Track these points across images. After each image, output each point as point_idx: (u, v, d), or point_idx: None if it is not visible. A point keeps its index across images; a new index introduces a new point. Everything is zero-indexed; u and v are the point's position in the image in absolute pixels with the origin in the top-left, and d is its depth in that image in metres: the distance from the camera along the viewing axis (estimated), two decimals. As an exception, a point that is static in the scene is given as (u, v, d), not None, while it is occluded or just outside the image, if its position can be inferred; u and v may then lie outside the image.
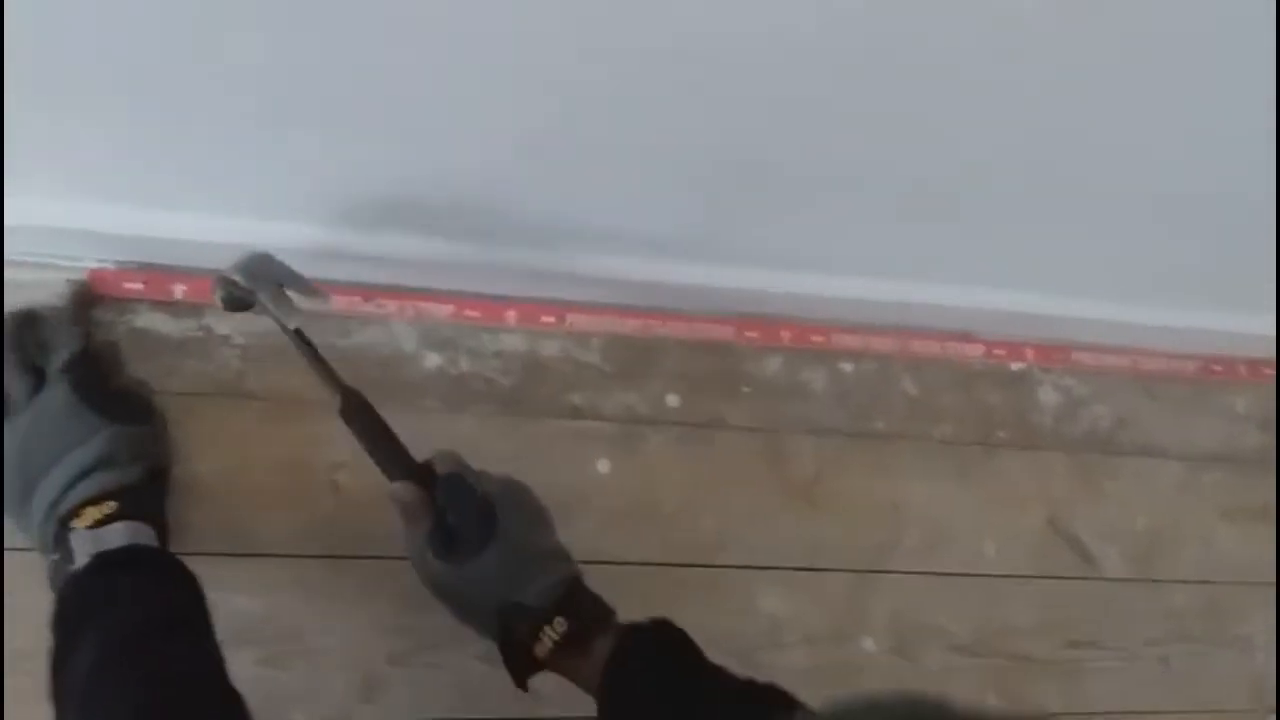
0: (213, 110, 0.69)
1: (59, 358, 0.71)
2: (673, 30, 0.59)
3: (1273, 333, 0.98)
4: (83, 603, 0.62)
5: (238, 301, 0.67)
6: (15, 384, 0.70)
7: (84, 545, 0.65)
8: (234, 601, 0.76)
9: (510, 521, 0.67)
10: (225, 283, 0.69)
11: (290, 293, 0.68)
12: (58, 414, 0.69)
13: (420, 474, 0.69)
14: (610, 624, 0.69)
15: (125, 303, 0.81)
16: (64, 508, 0.67)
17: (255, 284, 0.67)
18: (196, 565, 0.68)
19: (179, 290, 0.82)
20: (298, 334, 0.68)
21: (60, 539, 0.66)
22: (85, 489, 0.67)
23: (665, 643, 0.67)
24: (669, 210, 0.84)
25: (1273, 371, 1.07)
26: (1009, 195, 0.81)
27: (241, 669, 0.70)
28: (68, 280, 0.79)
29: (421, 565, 0.68)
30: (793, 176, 0.79)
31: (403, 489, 0.68)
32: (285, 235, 0.83)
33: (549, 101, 0.67)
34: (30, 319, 0.74)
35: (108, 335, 0.79)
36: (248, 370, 0.82)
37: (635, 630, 0.68)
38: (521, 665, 0.67)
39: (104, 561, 0.65)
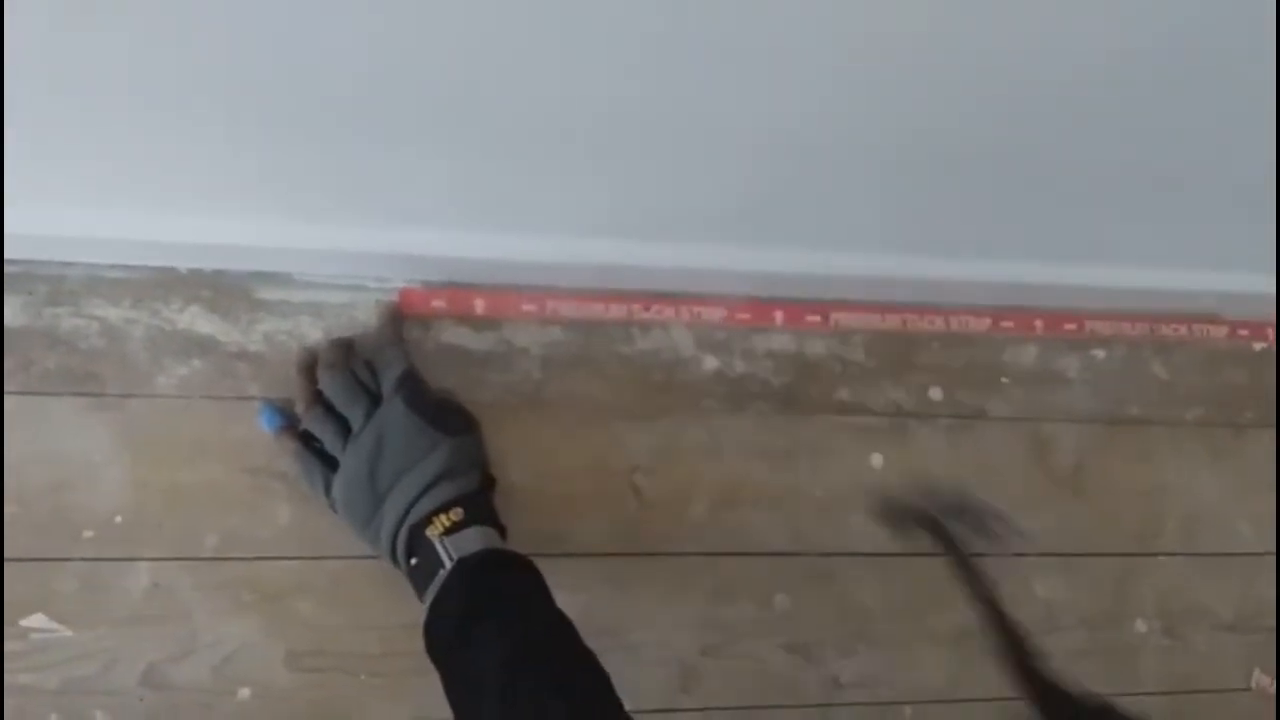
0: (518, 140, 0.72)
1: (390, 376, 0.76)
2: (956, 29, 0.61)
3: None
4: (471, 604, 0.67)
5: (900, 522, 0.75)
6: (354, 406, 0.74)
7: (446, 550, 0.69)
8: (555, 599, 0.80)
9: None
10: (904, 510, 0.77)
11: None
12: (398, 430, 0.74)
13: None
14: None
15: (431, 320, 0.85)
16: (415, 517, 0.72)
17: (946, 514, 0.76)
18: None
19: (479, 305, 0.86)
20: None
21: (418, 546, 0.71)
22: (434, 499, 0.72)
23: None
24: (927, 207, 0.86)
25: None
26: (1251, 183, 0.82)
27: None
28: (378, 301, 0.83)
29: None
30: (1052, 173, 0.81)
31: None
32: (569, 249, 0.87)
33: (813, 108, 0.70)
34: (352, 343, 0.79)
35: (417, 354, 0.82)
36: (547, 380, 0.86)
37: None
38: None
39: (471, 565, 0.69)
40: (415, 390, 0.76)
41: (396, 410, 0.74)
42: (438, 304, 0.86)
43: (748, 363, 0.89)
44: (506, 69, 0.66)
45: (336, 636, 0.78)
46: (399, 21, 0.61)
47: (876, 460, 0.89)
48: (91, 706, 0.74)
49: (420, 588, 0.71)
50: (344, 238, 0.83)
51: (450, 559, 0.69)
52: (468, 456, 0.75)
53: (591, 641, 0.80)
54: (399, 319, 0.82)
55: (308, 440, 0.75)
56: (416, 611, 0.69)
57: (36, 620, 0.74)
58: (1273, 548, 0.97)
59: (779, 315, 0.91)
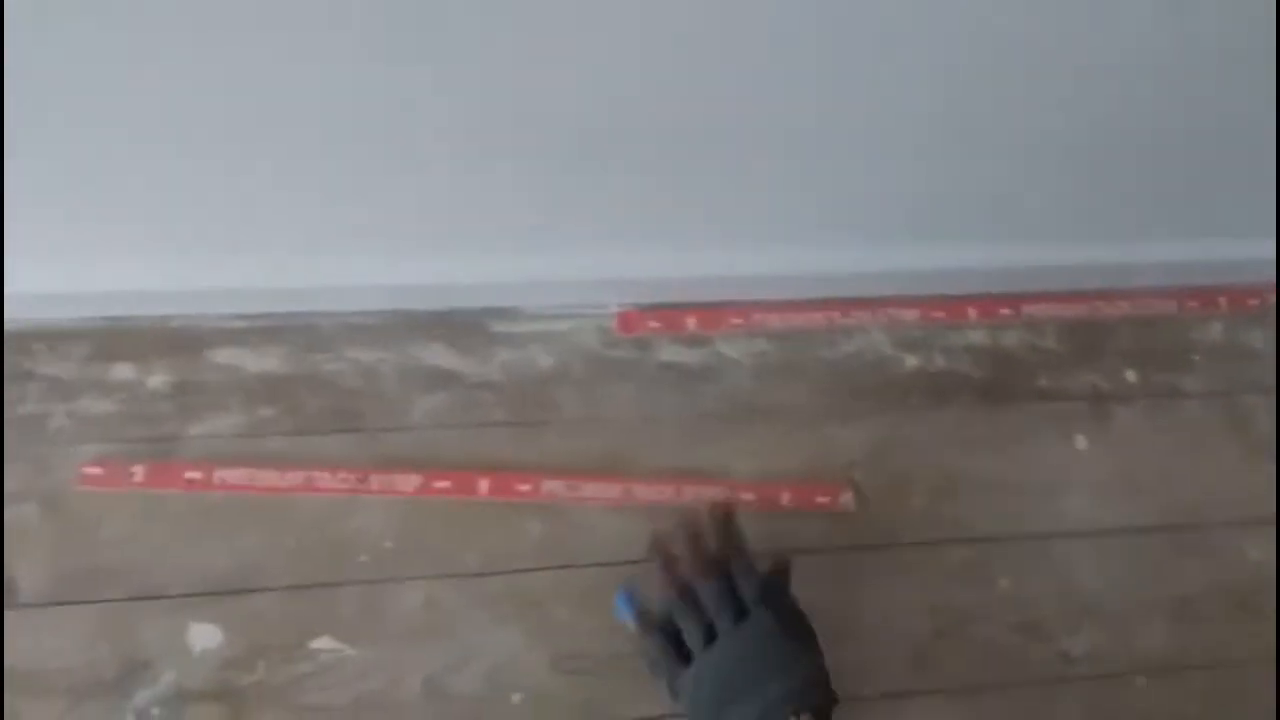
0: (721, 158, 0.78)
1: (751, 584, 0.73)
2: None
3: None
4: None
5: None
6: (723, 612, 0.72)
7: None
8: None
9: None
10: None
11: None
12: (760, 644, 0.71)
13: None
14: None
15: (648, 340, 0.91)
16: None
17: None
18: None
19: (691, 323, 0.91)
20: None
21: None
22: (782, 714, 0.70)
23: None
24: (1109, 193, 0.89)
25: None
26: None
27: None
28: (712, 505, 0.79)
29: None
30: (1229, 147, 0.84)
31: None
32: (768, 262, 0.92)
33: (990, 102, 0.74)
34: (704, 540, 0.76)
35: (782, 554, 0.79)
36: (759, 389, 0.91)
37: None
38: None
39: None
40: (780, 604, 0.74)
41: (762, 624, 0.72)
42: (653, 324, 0.91)
43: (947, 358, 0.93)
44: (711, 93, 0.71)
45: (594, 639, 0.82)
46: (616, 59, 0.66)
47: (1081, 443, 0.92)
48: None
49: None
50: (563, 267, 0.89)
51: None
52: (817, 674, 0.73)
53: (827, 630, 0.84)
54: (734, 522, 0.78)
55: (667, 630, 0.74)
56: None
57: (323, 642, 0.80)
58: None
59: (972, 311, 0.95)
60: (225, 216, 0.77)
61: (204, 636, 0.78)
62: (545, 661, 0.82)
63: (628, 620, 0.79)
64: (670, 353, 0.90)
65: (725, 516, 0.79)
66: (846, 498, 0.87)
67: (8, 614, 0.77)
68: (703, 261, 0.89)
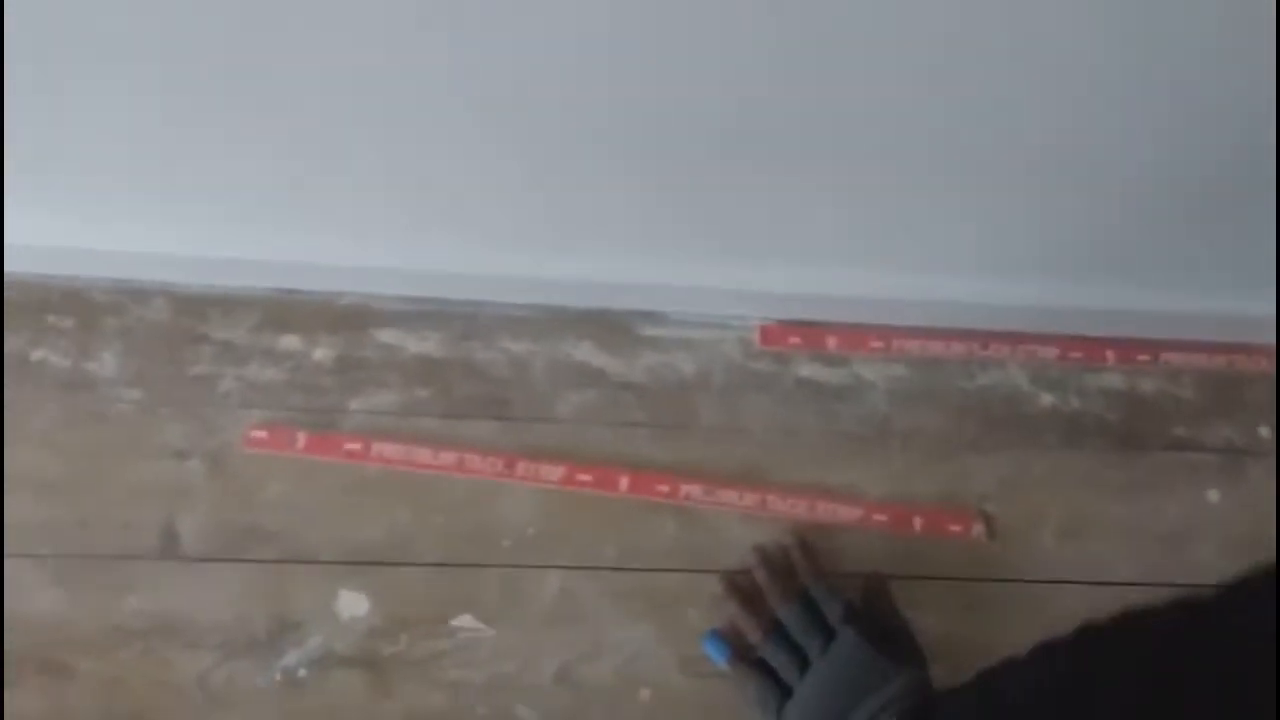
0: (876, 180, 0.78)
1: (834, 607, 0.77)
2: None
3: None
4: None
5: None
6: (811, 636, 0.76)
7: None
8: (917, 620, 0.84)
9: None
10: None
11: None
12: (852, 662, 0.74)
13: None
14: None
15: (788, 355, 0.92)
16: None
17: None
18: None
19: (831, 342, 0.93)
20: None
21: None
22: None
23: None
24: (1264, 241, 0.89)
25: None
26: None
27: (937, 679, 0.79)
28: (792, 533, 0.86)
29: None
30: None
31: None
32: (911, 288, 0.93)
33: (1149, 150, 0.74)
34: (795, 570, 0.81)
35: (877, 573, 0.83)
36: (894, 413, 0.92)
37: None
38: None
39: None
40: (870, 619, 0.77)
41: (849, 642, 0.74)
42: (794, 340, 0.93)
43: (1082, 399, 0.94)
44: (879, 115, 0.73)
45: (721, 645, 0.83)
46: (781, 71, 0.68)
47: (1213, 496, 0.92)
48: (514, 702, 0.81)
49: None
50: (712, 276, 0.91)
51: None
52: (915, 682, 0.74)
53: (958, 660, 0.84)
54: (809, 548, 0.84)
55: (763, 667, 0.77)
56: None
57: (464, 620, 0.82)
58: None
59: (1110, 354, 0.95)
60: (401, 200, 0.80)
61: (352, 604, 0.80)
62: (674, 661, 0.83)
63: (720, 663, 0.80)
64: (809, 370, 0.92)
65: (800, 543, 0.83)
66: (979, 528, 0.87)
67: (169, 564, 0.80)
68: (848, 281, 0.91)
